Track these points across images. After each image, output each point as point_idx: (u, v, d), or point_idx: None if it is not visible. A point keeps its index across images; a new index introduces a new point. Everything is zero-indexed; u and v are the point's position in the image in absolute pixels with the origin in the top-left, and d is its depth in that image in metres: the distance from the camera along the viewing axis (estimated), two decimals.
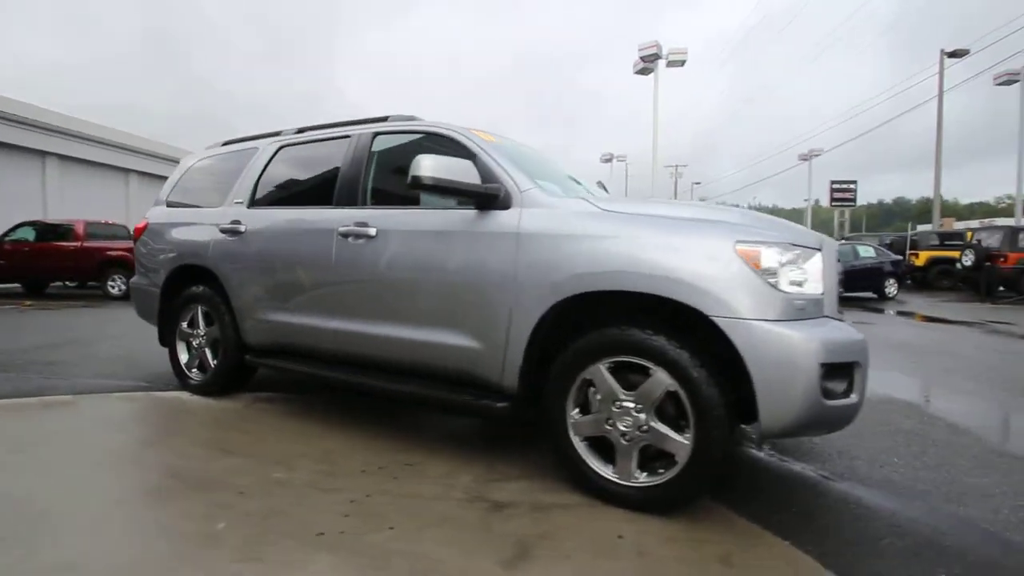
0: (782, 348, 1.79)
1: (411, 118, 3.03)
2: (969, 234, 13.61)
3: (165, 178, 4.83)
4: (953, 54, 17.19)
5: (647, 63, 16.11)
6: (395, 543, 1.83)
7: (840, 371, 1.86)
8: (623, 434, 2.06)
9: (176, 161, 4.61)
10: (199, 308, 3.51)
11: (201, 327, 3.51)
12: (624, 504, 2.07)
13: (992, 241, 12.65)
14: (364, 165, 2.91)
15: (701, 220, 2.09)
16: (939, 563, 1.78)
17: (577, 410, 2.18)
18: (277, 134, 3.59)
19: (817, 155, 29.32)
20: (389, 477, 2.36)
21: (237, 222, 3.32)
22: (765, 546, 1.87)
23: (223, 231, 3.36)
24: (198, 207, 3.71)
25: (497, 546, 1.83)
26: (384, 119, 3.09)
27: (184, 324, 3.62)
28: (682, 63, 16.13)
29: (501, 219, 2.37)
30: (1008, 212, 45.80)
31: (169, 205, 3.91)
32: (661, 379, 1.97)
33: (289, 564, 1.69)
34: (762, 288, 1.86)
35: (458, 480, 2.34)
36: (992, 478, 2.51)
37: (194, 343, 3.55)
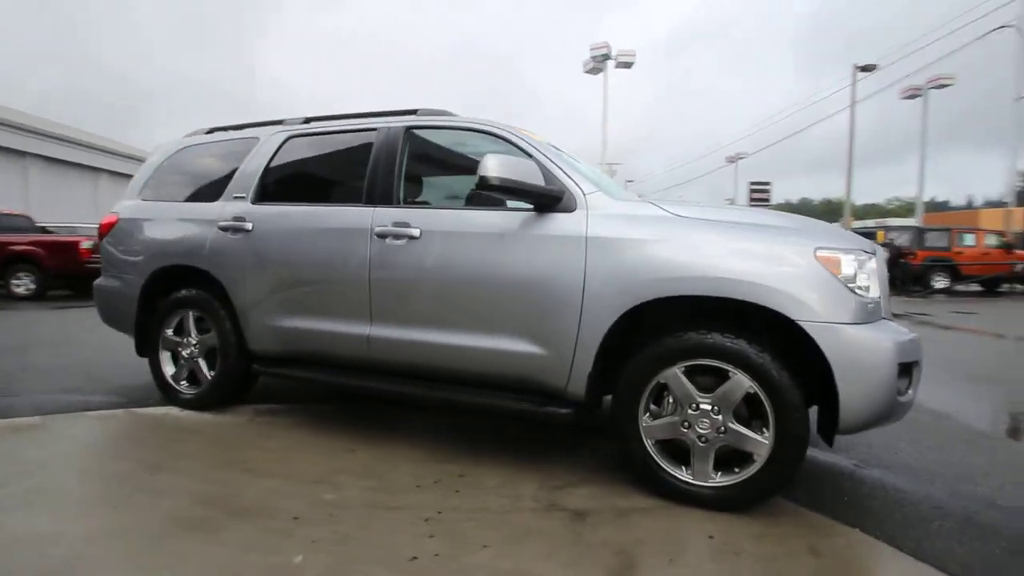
0: (865, 350, 1.89)
1: (444, 112, 2.89)
2: (880, 234, 15.13)
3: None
4: (864, 68, 19.16)
5: (597, 63, 16.51)
6: (500, 562, 1.75)
7: (907, 369, 1.99)
8: (700, 436, 2.09)
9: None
10: (190, 313, 3.17)
11: (193, 335, 3.16)
12: (700, 504, 2.10)
13: (902, 240, 14.15)
14: (398, 161, 2.74)
15: (769, 226, 2.16)
16: (986, 539, 1.95)
17: (648, 414, 2.19)
18: (279, 123, 3.30)
19: (743, 158, 31.44)
20: (449, 491, 2.25)
21: (241, 219, 3.01)
22: (840, 535, 1.97)
23: (223, 229, 3.04)
24: (184, 202, 3.33)
25: (599, 557, 1.79)
26: (413, 112, 2.93)
27: (169, 331, 3.25)
28: (630, 65, 16.70)
29: (565, 222, 2.31)
30: (897, 212, 51.36)
31: (143, 199, 3.49)
32: (741, 381, 2.02)
33: None
34: (843, 293, 1.95)
35: (521, 489, 2.27)
36: (985, 457, 2.80)
37: (184, 352, 3.20)
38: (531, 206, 2.39)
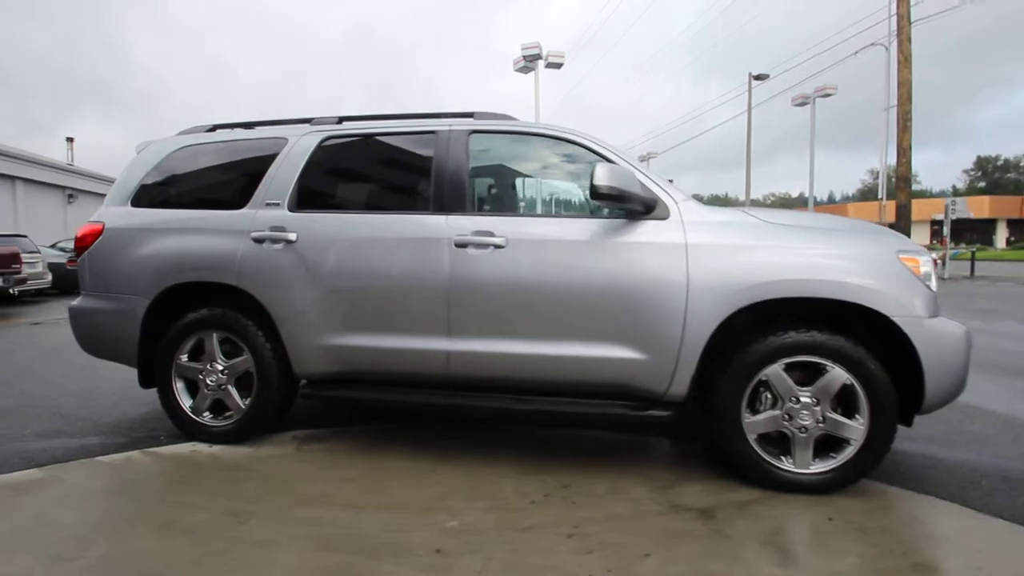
0: (945, 338, 2.17)
1: (506, 117, 2.82)
2: None
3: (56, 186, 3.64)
4: (758, 77, 21.45)
5: (528, 62, 16.73)
6: (671, 568, 1.78)
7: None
8: (801, 427, 2.27)
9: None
10: (214, 336, 2.81)
11: (219, 359, 2.81)
12: (800, 491, 2.28)
13: None
14: (465, 167, 2.63)
15: (846, 230, 2.39)
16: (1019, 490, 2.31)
17: (748, 410, 2.33)
18: (305, 122, 3.02)
19: (653, 157, 33.63)
20: (566, 503, 2.24)
21: (280, 228, 2.72)
22: (925, 503, 2.23)
23: (257, 240, 2.73)
24: (194, 208, 2.93)
25: (752, 549, 1.90)
26: (469, 115, 2.83)
27: (183, 358, 2.86)
28: (559, 65, 17.14)
29: (662, 230, 2.38)
30: (772, 206, 57.75)
31: (135, 205, 3.02)
32: (838, 374, 2.22)
33: None
34: (923, 290, 2.21)
35: (632, 493, 2.32)
36: (977, 425, 3.24)
37: (208, 380, 2.83)
38: (622, 214, 2.44)
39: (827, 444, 2.29)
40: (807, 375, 2.28)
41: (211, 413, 2.87)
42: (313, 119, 3.02)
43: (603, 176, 2.22)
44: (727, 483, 2.39)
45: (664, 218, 2.40)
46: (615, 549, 1.89)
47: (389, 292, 2.59)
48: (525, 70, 16.80)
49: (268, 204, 2.80)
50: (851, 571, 1.77)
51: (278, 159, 2.86)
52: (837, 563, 1.81)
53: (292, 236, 2.70)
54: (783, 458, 2.32)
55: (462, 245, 2.51)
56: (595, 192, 2.23)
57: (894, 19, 15.56)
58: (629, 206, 2.34)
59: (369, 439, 2.95)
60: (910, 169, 14.83)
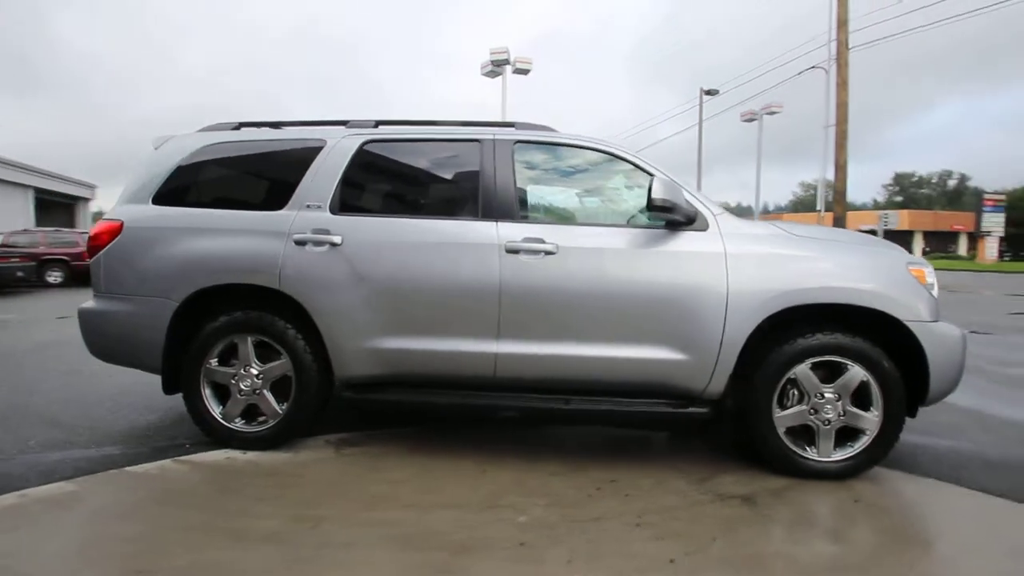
0: (947, 339, 2.48)
1: (544, 128, 2.93)
2: None
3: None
4: (709, 92, 22.70)
5: (496, 67, 16.84)
6: (742, 550, 1.96)
7: None
8: (825, 420, 2.52)
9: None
10: (248, 340, 2.74)
11: (253, 363, 2.75)
12: (824, 478, 2.52)
13: None
14: (512, 176, 2.73)
15: (860, 243, 2.68)
16: (1004, 471, 2.66)
17: (778, 406, 2.56)
18: (341, 123, 3.01)
19: None
20: (619, 496, 2.38)
21: (324, 231, 2.70)
22: (927, 484, 2.53)
23: (299, 242, 2.70)
24: (225, 208, 2.85)
25: (802, 531, 2.12)
26: (511, 125, 2.93)
27: (213, 362, 2.77)
28: (527, 71, 17.39)
29: (702, 240, 2.57)
30: None
31: (158, 202, 2.89)
32: (858, 372, 2.48)
33: None
34: (928, 297, 2.51)
35: (676, 485, 2.49)
36: (949, 417, 3.59)
37: (242, 385, 2.75)
38: (662, 224, 2.61)
39: (845, 435, 2.55)
40: (826, 373, 2.53)
41: (243, 419, 2.80)
42: (349, 121, 3.02)
43: (660, 190, 2.39)
44: (756, 473, 2.60)
45: (704, 229, 2.60)
46: (683, 536, 2.05)
47: (440, 296, 2.64)
48: (492, 74, 16.96)
49: (309, 206, 2.77)
50: (891, 543, 2.01)
51: (317, 161, 2.84)
52: (879, 537, 2.05)
53: (337, 239, 2.69)
54: (808, 448, 2.56)
55: (514, 251, 2.60)
56: (652, 204, 2.40)
57: (834, 44, 16.78)
58: (677, 217, 2.52)
59: (405, 442, 2.97)
60: (846, 184, 16.10)
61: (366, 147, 2.87)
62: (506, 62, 16.58)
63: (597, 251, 2.61)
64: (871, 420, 2.50)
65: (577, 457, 2.81)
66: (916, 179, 64.58)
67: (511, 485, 2.47)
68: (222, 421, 2.78)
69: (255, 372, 2.75)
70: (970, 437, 3.17)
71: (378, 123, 3.00)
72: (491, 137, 2.82)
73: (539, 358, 2.61)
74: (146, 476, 2.45)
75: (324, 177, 2.81)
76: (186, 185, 2.95)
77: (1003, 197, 26.50)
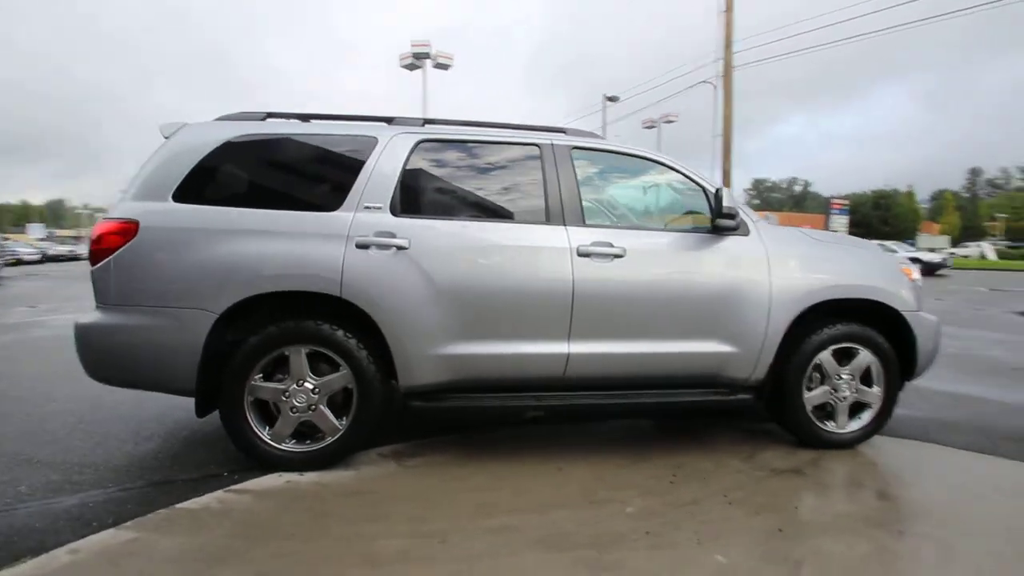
0: (929, 325, 3.02)
1: (592, 134, 3.05)
2: None
3: None
4: (611, 98, 24.23)
5: (417, 60, 16.31)
6: (820, 516, 2.27)
7: None
8: (843, 398, 2.95)
9: None
10: (302, 351, 2.52)
11: (308, 377, 2.53)
12: (841, 447, 2.95)
13: None
14: (575, 180, 2.80)
15: (863, 245, 3.16)
16: (958, 431, 3.30)
17: (806, 388, 2.94)
18: (388, 120, 2.86)
19: None
20: (695, 480, 2.59)
21: (389, 234, 2.56)
22: (912, 445, 3.06)
23: (362, 245, 2.53)
24: (264, 207, 2.58)
25: (851, 490, 2.50)
26: (561, 130, 3.00)
27: (257, 378, 2.51)
28: (447, 67, 17.07)
29: (747, 243, 2.86)
30: None
31: (179, 199, 2.53)
32: (866, 355, 2.94)
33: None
34: (916, 291, 3.04)
35: (732, 463, 2.77)
36: (907, 394, 4.37)
37: (295, 401, 2.52)
38: (707, 228, 2.87)
39: (854, 409, 3.00)
40: (840, 357, 2.96)
41: (295, 439, 2.57)
42: (394, 119, 2.88)
43: (728, 199, 2.63)
44: (786, 448, 2.97)
45: (747, 234, 2.89)
46: (771, 508, 2.31)
47: (514, 299, 2.64)
48: (412, 67, 16.46)
49: (367, 207, 2.61)
50: (923, 493, 2.44)
51: (371, 159, 2.68)
52: (911, 490, 2.50)
53: (403, 242, 2.57)
54: (827, 423, 2.97)
55: (585, 255, 2.69)
56: (721, 212, 2.63)
57: (721, 63, 18.65)
58: (735, 223, 2.78)
59: (457, 449, 2.92)
60: (731, 188, 18.15)
61: (420, 146, 2.77)
62: (427, 56, 16.24)
63: (659, 253, 2.80)
64: (875, 395, 2.97)
65: (630, 448, 2.98)
66: (770, 184, 74.29)
67: (592, 480, 2.57)
68: (272, 443, 2.53)
69: (310, 387, 2.54)
70: (917, 406, 3.86)
71: (426, 122, 2.91)
72: (549, 142, 2.87)
73: (608, 356, 2.73)
74: (209, 512, 2.17)
75: (382, 176, 2.67)
76: (213, 181, 2.61)
77: (847, 201, 31.63)
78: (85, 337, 2.47)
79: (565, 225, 2.74)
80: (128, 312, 2.46)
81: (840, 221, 25.25)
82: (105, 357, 2.49)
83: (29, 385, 4.12)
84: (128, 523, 2.05)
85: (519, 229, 2.73)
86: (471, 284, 2.62)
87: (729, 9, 18.17)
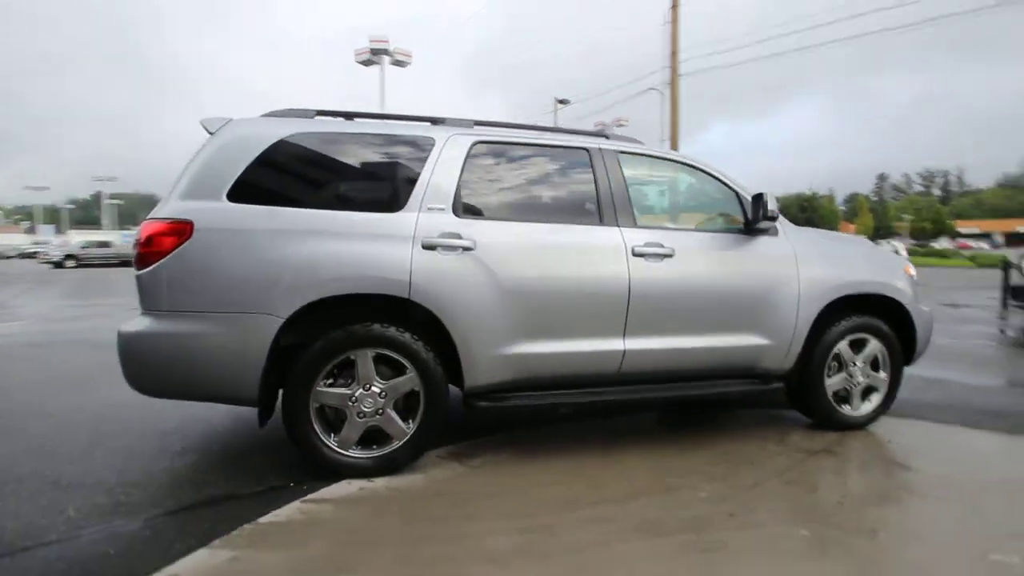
0: (925, 316, 3.38)
1: (633, 140, 3.17)
2: None
3: None
4: (561, 101, 24.75)
5: (374, 56, 15.80)
6: (862, 488, 2.51)
7: None
8: (857, 383, 3.24)
9: None
10: (368, 354, 2.47)
11: (375, 380, 2.48)
12: (853, 428, 3.25)
13: None
14: (624, 183, 2.91)
15: (868, 245, 3.48)
16: (963, 412, 3.69)
17: (827, 376, 3.21)
18: (440, 121, 2.84)
19: None
20: (746, 464, 2.77)
21: (455, 235, 2.55)
22: (924, 423, 3.40)
23: (428, 246, 2.51)
24: (323, 208, 2.49)
25: (882, 464, 2.79)
26: (603, 135, 3.10)
27: (323, 384, 2.44)
28: (404, 64, 16.67)
29: (777, 243, 3.09)
30: None
31: (234, 199, 2.40)
32: (875, 344, 3.25)
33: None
34: (915, 286, 3.39)
35: (773, 448, 2.98)
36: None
37: (363, 406, 2.46)
38: (739, 228, 3.07)
39: (864, 393, 3.31)
40: (853, 346, 3.25)
41: (360, 446, 2.51)
42: (446, 119, 2.87)
43: (773, 203, 2.83)
44: (805, 431, 3.23)
45: (776, 235, 3.12)
46: (823, 485, 2.54)
47: (575, 298, 2.71)
48: (368, 63, 15.98)
49: (431, 208, 2.59)
50: (938, 463, 2.74)
51: (431, 160, 2.66)
52: (929, 461, 2.80)
53: (469, 243, 2.57)
54: (843, 406, 3.26)
55: (640, 255, 2.80)
56: (767, 215, 2.84)
57: (668, 71, 19.48)
58: (773, 225, 2.98)
59: (511, 447, 2.96)
60: None
61: (476, 147, 2.78)
62: (385, 52, 15.83)
63: (704, 253, 2.96)
64: (883, 380, 3.29)
65: (671, 439, 3.14)
66: None
67: (653, 470, 2.69)
68: (339, 450, 2.46)
69: (378, 391, 2.49)
70: (904, 392, 4.29)
71: (475, 123, 2.92)
72: (597, 146, 2.96)
73: (659, 352, 2.87)
74: (298, 524, 2.09)
75: (443, 177, 2.65)
76: (269, 179, 2.50)
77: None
78: (133, 346, 2.30)
79: (618, 226, 2.85)
80: (184, 319, 2.31)
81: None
82: (157, 367, 2.32)
83: (16, 397, 3.74)
84: (216, 542, 1.94)
85: (578, 230, 2.80)
86: (535, 285, 2.66)
87: (674, 20, 19.06)
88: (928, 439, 3.20)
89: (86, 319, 8.45)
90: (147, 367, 2.33)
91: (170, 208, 2.37)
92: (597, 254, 2.77)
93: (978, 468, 2.73)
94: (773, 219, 2.95)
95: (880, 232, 56.00)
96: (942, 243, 46.88)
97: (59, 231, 64.83)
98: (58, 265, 27.23)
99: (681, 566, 1.87)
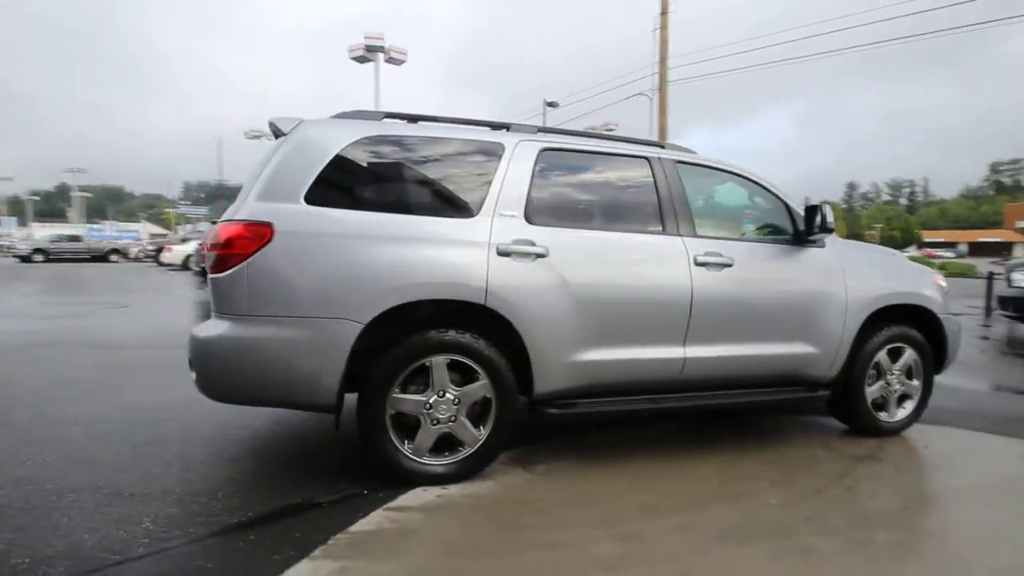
0: (956, 327, 3.52)
1: (686, 150, 3.22)
2: None
3: None
4: (551, 103, 24.86)
5: (368, 53, 15.54)
6: (906, 492, 2.59)
7: None
8: (894, 391, 3.36)
9: None
10: (443, 361, 2.46)
11: (450, 387, 2.47)
12: (891, 434, 3.36)
13: None
14: (684, 193, 2.96)
15: (900, 256, 3.61)
16: (985, 418, 3.85)
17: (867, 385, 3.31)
18: (504, 127, 2.84)
19: None
20: (805, 471, 2.84)
21: (528, 242, 2.56)
22: (953, 430, 3.53)
23: (503, 253, 2.51)
24: (396, 212, 2.47)
25: (923, 469, 2.91)
26: (660, 145, 3.15)
27: (398, 391, 2.42)
28: (400, 62, 16.46)
29: (824, 254, 3.18)
30: None
31: (311, 201, 2.35)
32: (911, 353, 3.38)
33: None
34: (945, 297, 3.52)
35: (822, 455, 3.07)
36: None
37: (438, 413, 2.45)
38: (789, 238, 3.16)
39: (899, 400, 3.43)
40: (891, 355, 3.37)
41: (433, 454, 2.49)
42: (511, 125, 2.88)
43: (830, 215, 2.91)
44: (846, 438, 3.33)
45: (823, 247, 3.21)
46: (882, 491, 2.63)
47: (642, 306, 2.75)
48: (362, 60, 15.73)
49: (504, 215, 2.59)
50: (978, 469, 2.86)
51: (502, 166, 2.66)
52: (972, 468, 2.90)
53: (542, 250, 2.58)
54: (880, 413, 3.37)
55: (701, 264, 2.86)
56: (824, 227, 2.92)
57: (656, 77, 19.75)
58: (826, 236, 3.07)
59: (571, 453, 2.97)
60: None
61: (543, 154, 2.79)
62: (380, 49, 15.62)
63: (760, 262, 3.04)
64: (916, 387, 3.42)
65: (720, 446, 3.19)
66: None
67: (716, 476, 2.74)
68: (414, 457, 2.44)
69: (451, 398, 2.48)
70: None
71: (538, 129, 2.93)
72: (656, 156, 3.01)
73: (717, 359, 2.92)
74: (391, 533, 2.06)
75: (514, 183, 2.66)
76: (344, 182, 2.47)
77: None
78: (211, 351, 2.24)
79: (680, 236, 2.90)
80: (265, 323, 2.26)
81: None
82: (236, 372, 2.26)
83: (32, 404, 3.59)
84: (316, 552, 1.90)
85: (644, 239, 2.84)
86: (604, 292, 2.69)
87: (664, 27, 19.35)
88: (960, 445, 3.33)
89: (74, 318, 8.14)
90: (225, 372, 2.27)
91: (248, 210, 2.32)
92: (662, 263, 2.82)
93: (1016, 473, 2.87)
94: (831, 231, 3.04)
95: (852, 239, 57.99)
96: (911, 252, 48.83)
97: (22, 223, 62.16)
98: (26, 259, 26.18)
99: (785, 570, 1.91)
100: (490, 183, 2.64)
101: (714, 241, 2.99)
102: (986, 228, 62.98)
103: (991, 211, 71.96)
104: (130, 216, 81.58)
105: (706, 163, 3.20)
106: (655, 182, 2.95)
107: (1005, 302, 7.36)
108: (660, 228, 2.90)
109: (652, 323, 2.80)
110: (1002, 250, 50.11)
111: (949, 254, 50.47)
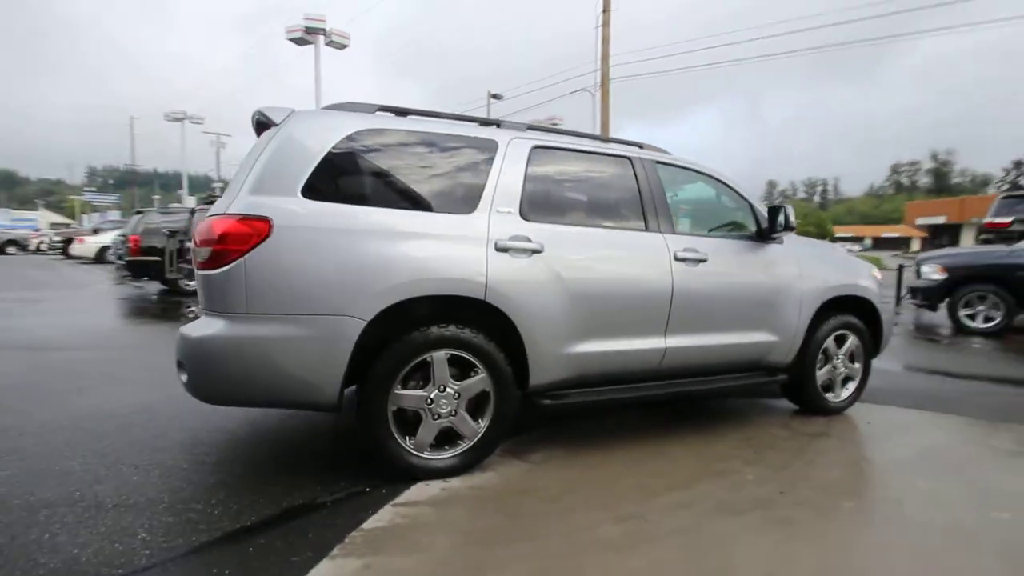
0: (889, 315, 3.94)
1: (662, 151, 3.39)
2: None
3: None
4: (495, 96, 24.81)
5: (308, 35, 14.66)
6: (871, 461, 2.91)
7: None
8: (839, 374, 3.73)
9: None
10: (444, 356, 2.48)
11: (450, 382, 2.49)
12: (837, 413, 3.73)
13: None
14: (663, 191, 3.12)
15: (842, 251, 3.98)
16: (910, 397, 4.36)
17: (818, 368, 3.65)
18: (495, 124, 2.87)
19: None
20: (775, 449, 3.10)
21: (524, 238, 2.62)
22: (886, 407, 3.95)
23: (501, 248, 2.56)
24: (391, 207, 2.46)
25: (869, 444, 3.24)
26: (638, 145, 3.29)
27: (399, 387, 2.41)
28: (343, 46, 15.68)
29: (783, 249, 3.47)
30: None
31: (309, 195, 2.28)
32: (853, 340, 3.76)
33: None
34: (879, 287, 3.93)
35: (781, 434, 3.35)
36: None
37: (439, 408, 2.46)
38: (754, 235, 3.42)
39: (842, 382, 3.81)
40: (836, 341, 3.73)
41: (434, 448, 2.51)
42: (501, 122, 2.91)
43: (792, 214, 3.17)
44: (799, 417, 3.66)
45: (781, 243, 3.49)
46: (838, 463, 2.92)
47: (629, 299, 2.89)
48: (301, 42, 14.90)
49: (501, 211, 2.63)
50: (917, 440, 3.25)
51: (496, 162, 2.70)
52: (912, 441, 3.28)
53: (538, 246, 2.65)
54: (828, 394, 3.73)
55: (681, 259, 3.04)
56: (787, 225, 3.17)
57: (599, 74, 20.21)
58: (787, 234, 3.34)
59: (561, 443, 3.08)
60: None
61: (535, 152, 2.85)
62: (321, 32, 14.89)
63: (730, 258, 3.26)
64: (858, 370, 3.81)
65: (690, 429, 3.41)
66: None
67: (695, 457, 2.94)
68: (415, 452, 2.45)
69: (452, 392, 2.51)
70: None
71: (529, 127, 2.99)
72: (637, 155, 3.15)
73: (693, 348, 3.13)
74: (404, 528, 2.08)
75: (509, 180, 2.71)
76: (341, 176, 2.42)
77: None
78: (207, 351, 2.14)
79: (661, 232, 3.06)
80: (265, 321, 2.18)
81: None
82: (234, 373, 2.17)
83: None
84: (334, 551, 1.89)
85: (631, 236, 2.98)
86: (596, 287, 2.80)
87: (606, 24, 19.83)
88: (895, 420, 3.73)
89: None
90: (223, 372, 2.17)
91: (242, 204, 2.22)
92: (647, 258, 2.97)
93: (948, 444, 3.28)
94: (793, 229, 3.31)
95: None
96: None
97: None
98: None
99: (775, 538, 2.11)
100: (486, 179, 2.67)
101: (690, 237, 3.18)
102: (887, 224, 69.55)
103: (891, 208, 79.60)
104: (25, 203, 73.47)
105: (680, 163, 3.39)
106: (637, 180, 3.09)
107: (915, 291, 8.24)
108: (643, 225, 3.05)
109: (638, 315, 2.95)
110: (901, 244, 55.59)
111: (857, 247, 55.38)
